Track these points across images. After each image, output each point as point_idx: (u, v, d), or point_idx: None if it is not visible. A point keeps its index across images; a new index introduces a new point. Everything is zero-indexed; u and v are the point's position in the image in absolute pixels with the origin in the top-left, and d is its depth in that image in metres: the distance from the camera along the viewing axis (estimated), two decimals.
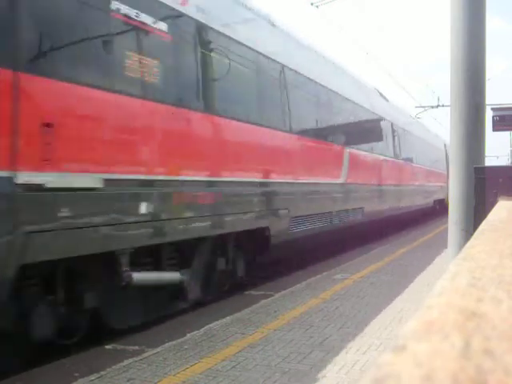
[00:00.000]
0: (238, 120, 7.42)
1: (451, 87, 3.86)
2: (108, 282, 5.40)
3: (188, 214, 6.17)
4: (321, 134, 10.80)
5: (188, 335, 5.31)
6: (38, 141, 4.27)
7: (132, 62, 5.41)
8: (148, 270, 5.88)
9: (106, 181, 4.89)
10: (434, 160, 24.39)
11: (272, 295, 7.30)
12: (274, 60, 8.83)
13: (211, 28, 7.01)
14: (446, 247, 4.13)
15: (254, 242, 7.98)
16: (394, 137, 16.56)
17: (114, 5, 5.26)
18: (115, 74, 5.26)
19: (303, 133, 9.86)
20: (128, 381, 4.08)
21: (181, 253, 6.46)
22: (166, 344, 5.03)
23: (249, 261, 8.06)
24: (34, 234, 4.18)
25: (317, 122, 10.63)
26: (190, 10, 6.57)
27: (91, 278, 5.20)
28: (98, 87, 4.99)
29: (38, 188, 4.22)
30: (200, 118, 6.61)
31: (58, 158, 4.44)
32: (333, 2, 12.81)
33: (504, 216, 1.81)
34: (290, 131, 9.12)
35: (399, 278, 8.41)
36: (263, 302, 6.85)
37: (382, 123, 15.68)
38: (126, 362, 4.52)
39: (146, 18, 5.66)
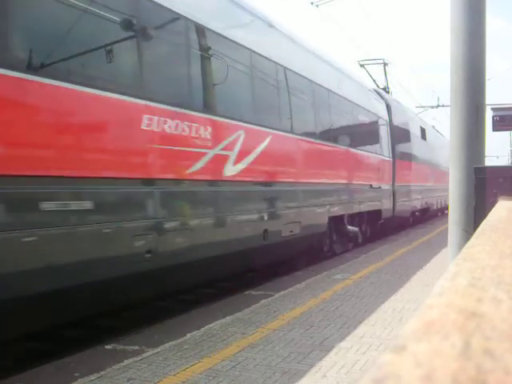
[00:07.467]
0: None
1: (451, 87, 3.86)
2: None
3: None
4: None
5: (188, 335, 5.30)
6: None
7: None
8: None
9: None
10: None
11: (272, 295, 7.29)
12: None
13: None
14: (446, 247, 4.14)
15: None
16: None
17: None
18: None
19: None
20: (128, 381, 4.09)
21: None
22: (166, 344, 5.03)
23: None
24: None
25: None
26: None
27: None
28: None
29: None
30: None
31: None
32: (333, 2, 12.79)
33: (504, 216, 1.81)
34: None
35: (399, 278, 8.42)
36: (263, 301, 6.85)
37: None
38: (126, 362, 4.51)
39: None
